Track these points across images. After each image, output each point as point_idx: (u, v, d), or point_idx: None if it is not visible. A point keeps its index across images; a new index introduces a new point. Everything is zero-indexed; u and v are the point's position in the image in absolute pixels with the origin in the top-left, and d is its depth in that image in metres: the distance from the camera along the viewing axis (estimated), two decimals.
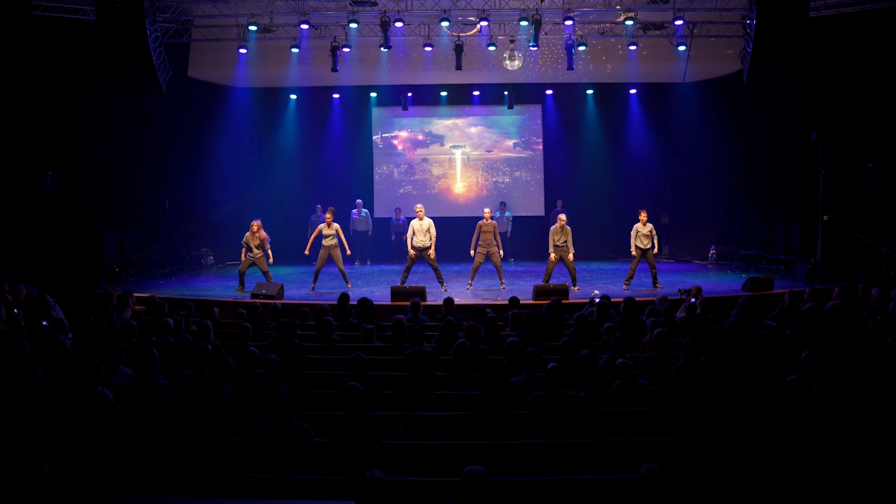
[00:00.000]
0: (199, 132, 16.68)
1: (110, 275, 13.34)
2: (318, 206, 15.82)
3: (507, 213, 16.48)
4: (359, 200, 16.43)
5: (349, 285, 12.55)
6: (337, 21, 13.87)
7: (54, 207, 13.05)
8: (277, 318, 8.65)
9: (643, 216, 12.61)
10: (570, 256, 12.37)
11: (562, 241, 12.36)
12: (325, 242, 12.54)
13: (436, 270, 12.47)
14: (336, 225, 12.60)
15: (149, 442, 4.87)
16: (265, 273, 12.41)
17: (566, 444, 4.86)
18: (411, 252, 12.46)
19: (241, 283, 12.42)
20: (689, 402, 5.68)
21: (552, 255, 12.44)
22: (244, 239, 12.53)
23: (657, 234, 12.84)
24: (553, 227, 12.58)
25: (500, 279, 12.70)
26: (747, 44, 12.54)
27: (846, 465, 4.42)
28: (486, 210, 12.80)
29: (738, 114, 16.17)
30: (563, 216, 12.67)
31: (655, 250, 12.60)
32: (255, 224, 12.50)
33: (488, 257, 12.52)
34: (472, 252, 12.65)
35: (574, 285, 12.26)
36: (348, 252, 13.04)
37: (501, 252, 12.90)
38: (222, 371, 5.86)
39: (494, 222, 12.70)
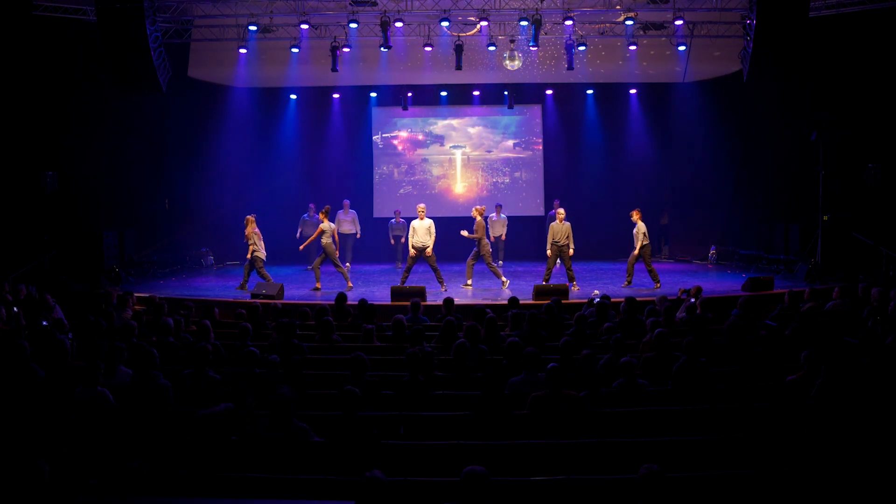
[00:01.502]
0: (199, 132, 16.68)
1: (110, 275, 13.33)
2: (311, 205, 15.53)
3: (502, 216, 15.85)
4: (346, 200, 15.69)
5: (349, 284, 12.53)
6: (337, 21, 13.88)
7: (54, 207, 13.06)
8: (277, 318, 8.65)
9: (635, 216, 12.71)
10: (571, 252, 12.39)
11: (563, 238, 12.36)
12: (323, 240, 12.53)
13: (435, 271, 12.47)
14: (324, 224, 12.50)
15: (149, 442, 4.86)
16: (266, 276, 12.40)
17: (566, 444, 4.85)
18: (412, 251, 12.47)
19: (245, 282, 12.41)
20: (689, 402, 5.68)
21: (549, 251, 12.47)
22: (252, 234, 12.37)
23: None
24: (553, 224, 12.58)
25: (498, 277, 12.64)
26: (747, 44, 12.56)
27: (846, 465, 4.42)
28: (476, 208, 12.71)
29: (738, 114, 16.17)
30: (561, 210, 12.68)
31: (636, 251, 12.54)
32: (251, 218, 12.45)
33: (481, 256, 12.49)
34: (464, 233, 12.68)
35: (573, 284, 12.25)
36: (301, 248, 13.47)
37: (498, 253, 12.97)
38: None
39: (482, 220, 12.55)
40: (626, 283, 12.64)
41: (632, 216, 12.71)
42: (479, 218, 12.43)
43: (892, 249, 12.31)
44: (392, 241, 16.01)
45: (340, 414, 4.95)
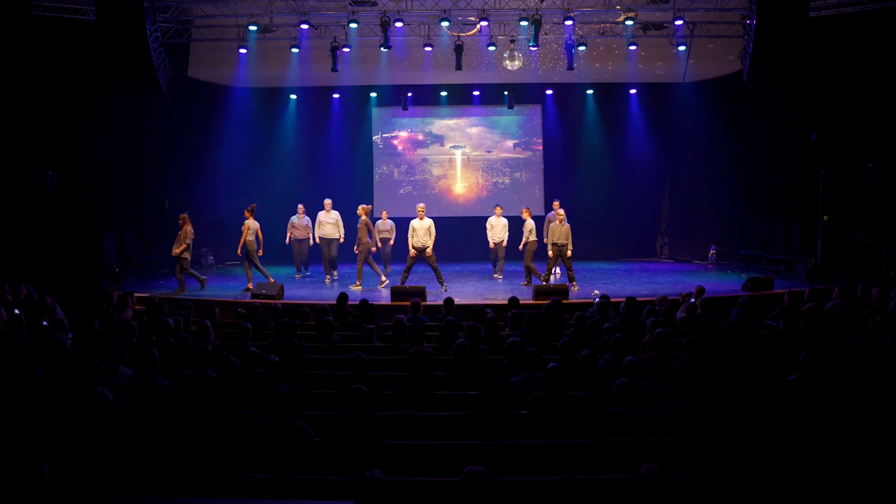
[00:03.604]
0: (199, 132, 16.68)
1: (110, 275, 13.33)
2: (300, 206, 14.44)
3: (502, 219, 14.12)
4: (327, 200, 14.05)
5: (249, 285, 12.51)
6: (337, 21, 13.87)
7: (54, 207, 13.05)
8: (277, 319, 8.65)
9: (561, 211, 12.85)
10: (569, 253, 12.42)
11: (563, 238, 12.41)
12: (247, 237, 12.61)
13: (435, 271, 12.47)
14: (248, 223, 12.58)
15: (149, 442, 4.86)
16: (182, 279, 12.37)
17: (566, 444, 4.85)
18: (412, 251, 12.49)
19: (183, 285, 12.33)
20: (689, 402, 5.68)
21: (550, 252, 12.53)
22: (188, 235, 12.31)
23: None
24: (553, 225, 12.60)
25: (359, 277, 12.81)
26: (747, 44, 12.55)
27: (846, 465, 4.42)
28: (361, 206, 12.99)
29: (738, 114, 16.17)
30: (561, 211, 12.72)
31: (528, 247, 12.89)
32: (187, 217, 12.43)
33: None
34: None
35: (573, 284, 12.27)
36: (238, 252, 12.90)
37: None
38: (229, 372, 5.82)
39: (366, 218, 12.80)
40: (525, 282, 12.87)
41: (522, 214, 13.22)
42: (363, 217, 12.74)
43: (892, 249, 12.31)
44: (379, 244, 14.48)
45: (344, 413, 4.94)
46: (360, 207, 12.94)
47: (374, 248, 12.94)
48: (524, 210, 13.66)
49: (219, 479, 4.34)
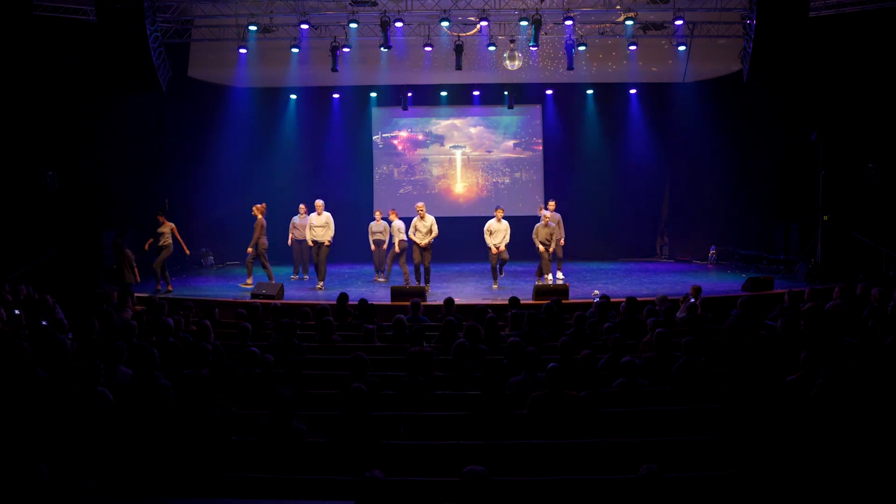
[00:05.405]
0: (199, 132, 16.68)
1: (110, 275, 13.33)
2: (302, 206, 14.09)
3: (503, 222, 12.95)
4: (319, 200, 13.26)
5: (158, 287, 12.60)
6: (337, 21, 13.88)
7: (54, 207, 13.05)
8: (277, 318, 8.65)
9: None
10: (551, 250, 12.86)
11: (546, 238, 12.74)
12: (164, 241, 12.67)
13: (427, 271, 12.51)
14: (169, 225, 12.69)
15: (149, 442, 4.86)
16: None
17: (566, 444, 4.85)
18: (416, 249, 12.58)
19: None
20: (688, 402, 5.68)
21: (541, 248, 12.82)
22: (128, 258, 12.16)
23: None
24: (538, 226, 12.89)
25: (248, 276, 13.11)
26: (747, 44, 12.55)
27: (846, 465, 4.42)
28: (256, 206, 13.05)
29: (738, 113, 16.17)
30: (547, 213, 12.96)
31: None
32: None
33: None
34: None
35: (544, 277, 12.74)
36: (187, 251, 13.26)
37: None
38: (223, 372, 5.86)
39: (262, 218, 12.86)
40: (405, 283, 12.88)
41: (389, 215, 13.63)
42: (259, 217, 12.84)
43: (892, 249, 12.31)
44: (373, 247, 13.93)
45: (342, 413, 4.93)
46: (254, 207, 12.99)
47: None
48: (391, 211, 13.91)
49: (219, 479, 4.34)
